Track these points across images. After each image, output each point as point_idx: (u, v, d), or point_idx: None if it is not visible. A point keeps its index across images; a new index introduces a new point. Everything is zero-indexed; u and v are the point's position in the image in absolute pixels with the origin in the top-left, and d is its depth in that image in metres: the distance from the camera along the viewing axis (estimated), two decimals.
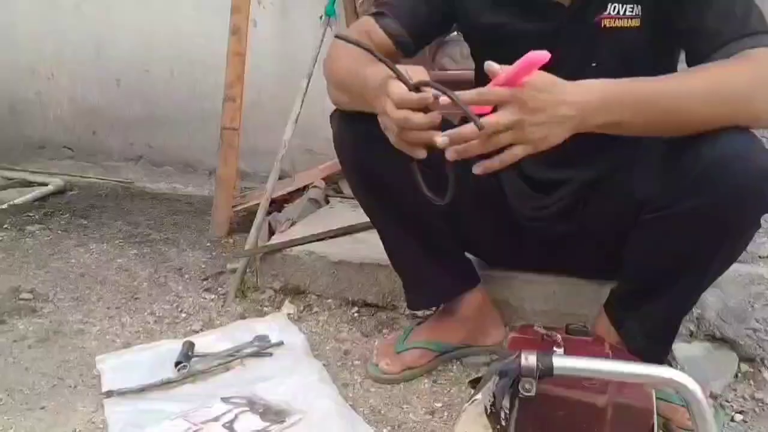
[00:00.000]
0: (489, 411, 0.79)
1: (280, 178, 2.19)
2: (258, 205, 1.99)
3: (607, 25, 1.17)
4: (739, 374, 1.39)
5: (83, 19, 2.93)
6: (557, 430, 0.79)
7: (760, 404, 1.31)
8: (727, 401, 1.32)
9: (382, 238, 1.42)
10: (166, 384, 1.38)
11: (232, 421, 1.23)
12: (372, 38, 1.30)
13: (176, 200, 2.61)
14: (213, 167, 2.48)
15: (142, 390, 1.36)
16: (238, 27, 2.19)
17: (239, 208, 2.27)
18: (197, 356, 1.47)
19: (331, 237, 1.84)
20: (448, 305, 1.47)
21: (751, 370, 1.40)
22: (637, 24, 1.16)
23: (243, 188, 2.50)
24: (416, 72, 1.02)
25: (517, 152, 0.98)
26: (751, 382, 1.37)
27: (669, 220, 1.09)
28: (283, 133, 2.06)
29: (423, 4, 1.32)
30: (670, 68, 1.25)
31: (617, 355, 1.17)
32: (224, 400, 1.30)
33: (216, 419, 1.24)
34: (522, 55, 0.97)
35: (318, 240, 1.82)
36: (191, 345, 1.50)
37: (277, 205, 2.25)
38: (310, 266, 1.77)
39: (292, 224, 2.01)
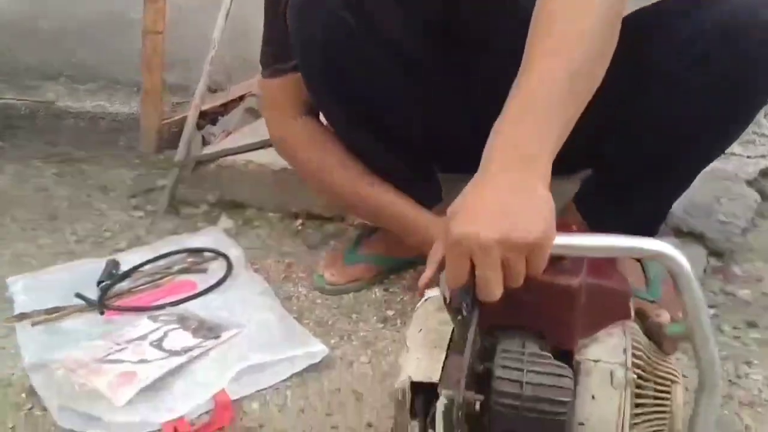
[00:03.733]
0: (449, 301, 0.68)
1: (214, 91, 2.00)
2: None
3: None
4: (708, 269, 1.31)
5: None
6: (528, 315, 0.69)
7: (731, 297, 1.24)
8: None
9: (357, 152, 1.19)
10: (87, 305, 1.23)
11: (160, 339, 1.10)
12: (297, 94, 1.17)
13: (101, 118, 2.38)
14: (140, 82, 2.26)
15: (59, 311, 1.21)
16: None
17: (169, 121, 2.07)
18: (122, 274, 1.32)
19: (270, 145, 1.68)
20: None
21: (720, 264, 1.33)
22: None
23: (175, 103, 2.30)
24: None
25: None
26: (721, 276, 1.30)
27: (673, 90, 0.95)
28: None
29: None
30: None
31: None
32: (151, 318, 1.18)
33: (142, 338, 1.11)
34: None
35: (255, 149, 1.66)
36: (115, 263, 1.36)
37: (210, 117, 2.07)
38: (248, 177, 1.62)
39: (228, 135, 1.84)
